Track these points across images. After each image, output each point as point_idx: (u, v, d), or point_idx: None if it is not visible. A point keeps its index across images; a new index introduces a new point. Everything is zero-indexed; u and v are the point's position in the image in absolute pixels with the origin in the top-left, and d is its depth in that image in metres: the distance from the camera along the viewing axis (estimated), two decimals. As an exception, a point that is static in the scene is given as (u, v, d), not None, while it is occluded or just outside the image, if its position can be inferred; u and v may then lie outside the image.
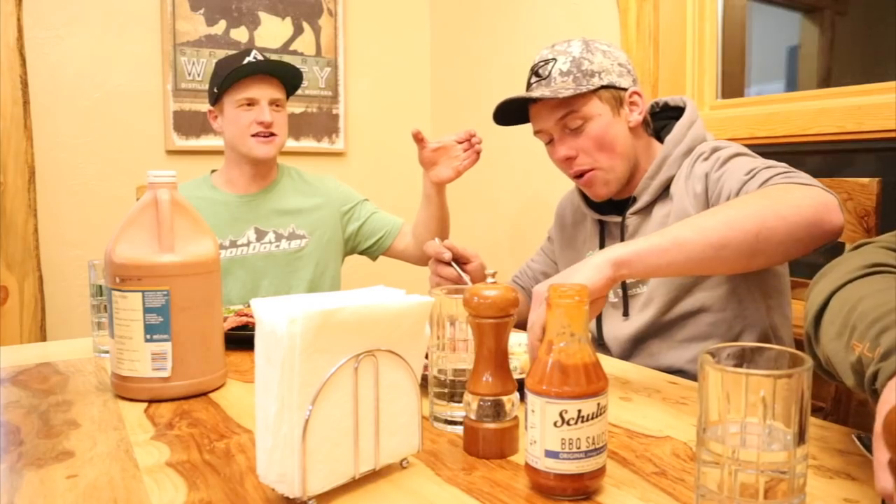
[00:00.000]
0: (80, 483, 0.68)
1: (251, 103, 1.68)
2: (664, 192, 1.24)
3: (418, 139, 1.53)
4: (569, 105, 1.22)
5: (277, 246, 1.76)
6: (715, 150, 1.19)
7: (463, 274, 1.21)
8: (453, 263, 1.22)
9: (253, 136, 1.68)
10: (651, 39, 1.87)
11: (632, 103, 1.25)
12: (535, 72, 1.27)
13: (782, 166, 1.06)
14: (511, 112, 1.30)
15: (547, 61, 1.25)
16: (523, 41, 2.37)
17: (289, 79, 1.74)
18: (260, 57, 1.69)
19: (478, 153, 1.54)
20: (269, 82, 1.69)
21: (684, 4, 1.88)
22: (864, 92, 1.51)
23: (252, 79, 1.67)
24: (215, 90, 1.70)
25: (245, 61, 1.67)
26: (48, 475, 0.70)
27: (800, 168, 1.05)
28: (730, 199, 1.07)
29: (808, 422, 0.52)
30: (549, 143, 1.29)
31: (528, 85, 1.28)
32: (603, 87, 1.22)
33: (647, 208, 1.26)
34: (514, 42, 2.41)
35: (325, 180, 1.89)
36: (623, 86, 1.24)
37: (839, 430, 0.80)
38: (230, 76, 1.66)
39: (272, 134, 1.69)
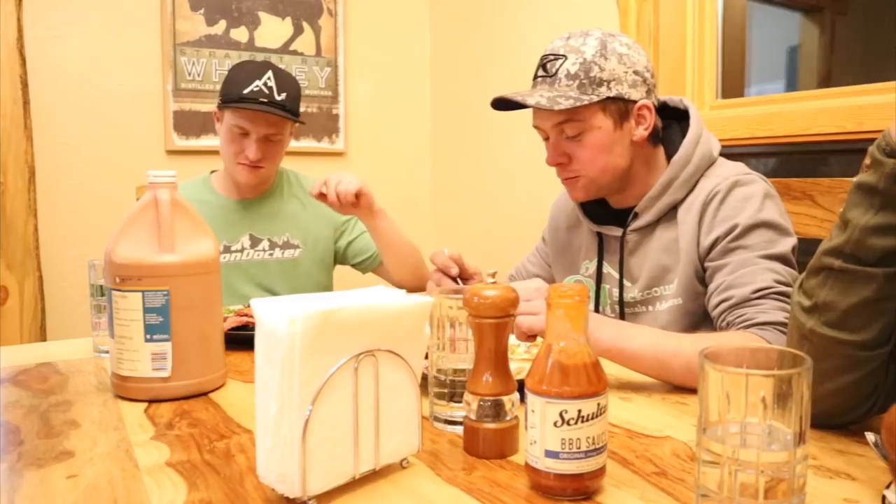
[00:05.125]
0: (80, 483, 0.68)
1: (244, 132, 1.65)
2: (669, 213, 1.20)
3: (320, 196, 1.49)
4: (569, 112, 1.15)
5: (271, 254, 1.75)
6: (730, 193, 1.13)
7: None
8: (459, 280, 1.20)
9: (239, 163, 1.66)
10: (651, 39, 1.87)
11: (639, 116, 1.18)
12: (543, 65, 1.19)
13: (774, 293, 1.04)
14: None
15: (557, 57, 1.17)
16: (523, 41, 2.37)
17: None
18: (271, 84, 1.62)
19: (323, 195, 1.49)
20: (268, 115, 1.63)
21: (684, 4, 1.88)
22: (864, 92, 1.51)
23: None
24: (221, 100, 1.67)
25: (253, 85, 1.61)
26: (48, 475, 0.70)
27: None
28: (714, 285, 1.10)
29: (808, 422, 0.52)
30: (546, 139, 1.24)
31: (535, 77, 1.22)
32: (610, 98, 1.15)
33: (650, 227, 1.22)
34: (514, 42, 2.41)
35: None
36: (633, 98, 1.16)
37: (839, 430, 0.80)
38: (229, 102, 1.62)
39: (258, 166, 1.67)
